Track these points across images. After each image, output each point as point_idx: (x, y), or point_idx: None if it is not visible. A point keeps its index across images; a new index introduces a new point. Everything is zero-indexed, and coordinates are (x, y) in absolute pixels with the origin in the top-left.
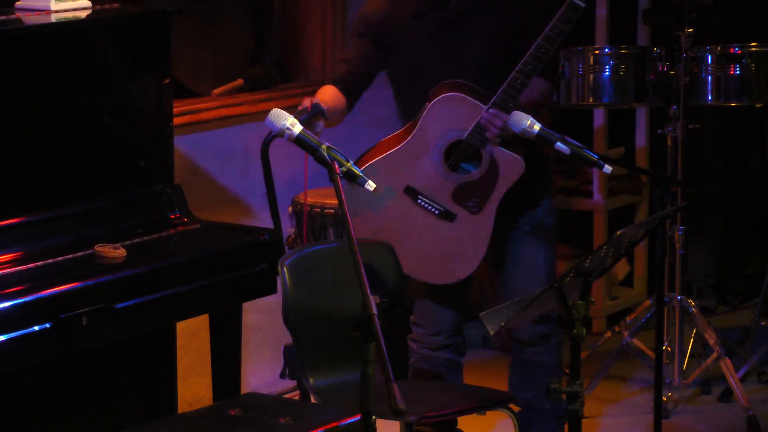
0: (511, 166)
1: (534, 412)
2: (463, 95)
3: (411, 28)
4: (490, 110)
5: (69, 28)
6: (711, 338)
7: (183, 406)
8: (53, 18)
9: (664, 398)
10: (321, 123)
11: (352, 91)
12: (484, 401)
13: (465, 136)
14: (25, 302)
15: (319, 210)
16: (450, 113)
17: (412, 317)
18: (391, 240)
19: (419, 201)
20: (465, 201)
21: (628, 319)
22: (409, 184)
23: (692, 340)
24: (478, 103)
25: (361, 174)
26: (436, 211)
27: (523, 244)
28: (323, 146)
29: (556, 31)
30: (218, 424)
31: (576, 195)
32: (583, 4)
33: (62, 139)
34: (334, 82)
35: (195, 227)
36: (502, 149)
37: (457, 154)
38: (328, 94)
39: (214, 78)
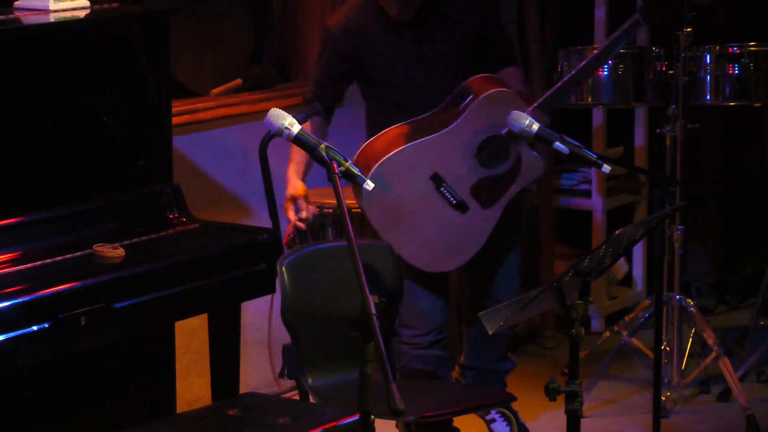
0: (532, 166)
1: (487, 373)
2: (511, 93)
3: (381, 40)
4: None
5: (68, 27)
6: (710, 338)
7: (182, 405)
8: (52, 18)
9: (663, 398)
10: None
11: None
12: (483, 401)
13: (504, 132)
14: (23, 302)
15: (317, 210)
16: (496, 109)
17: (398, 321)
18: (399, 222)
19: (441, 189)
20: (480, 194)
21: (627, 318)
22: (437, 171)
23: (691, 339)
24: (522, 101)
25: (359, 173)
26: (454, 201)
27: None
28: (322, 146)
29: (613, 45)
30: (217, 424)
31: (575, 195)
32: (644, 24)
33: (61, 139)
34: (310, 103)
35: (194, 227)
36: (529, 149)
37: (490, 149)
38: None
39: (213, 78)
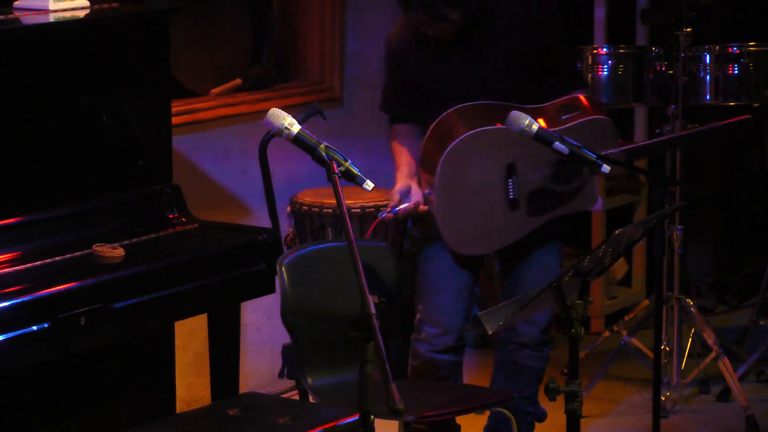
0: (587, 199)
1: (516, 413)
2: (614, 126)
3: (435, 55)
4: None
5: (67, 27)
6: (709, 338)
7: (182, 405)
8: (51, 18)
9: (663, 398)
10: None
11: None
12: (483, 401)
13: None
14: (23, 302)
15: (317, 210)
16: (595, 134)
17: (419, 317)
18: (450, 197)
19: (510, 180)
20: (533, 202)
21: (626, 318)
22: (516, 162)
23: (691, 339)
24: (616, 138)
25: (359, 173)
26: (512, 196)
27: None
28: (321, 146)
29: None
30: (217, 424)
31: None
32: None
33: (61, 139)
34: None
35: (193, 227)
36: (594, 184)
37: (567, 168)
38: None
39: (212, 78)
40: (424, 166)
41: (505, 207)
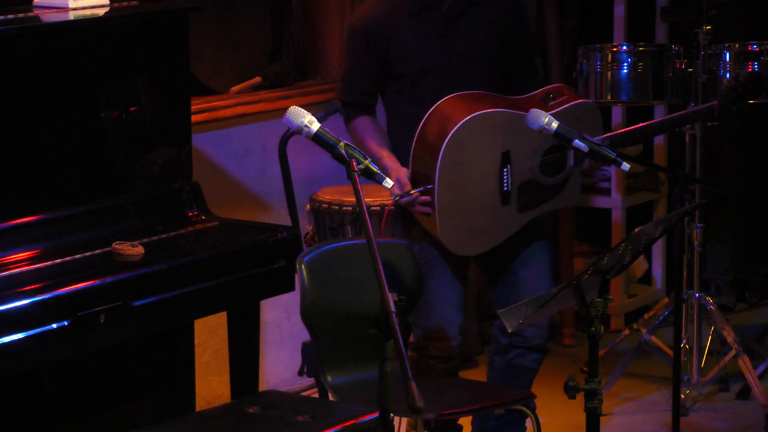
0: (571, 194)
1: (517, 413)
2: (598, 110)
3: (409, 28)
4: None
5: (87, 25)
6: (729, 336)
7: (201, 403)
8: (71, 15)
9: (683, 396)
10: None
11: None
12: (502, 398)
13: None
14: (43, 300)
15: (337, 207)
16: (581, 119)
17: (421, 336)
18: (451, 192)
19: (504, 170)
20: (522, 195)
21: (646, 316)
22: (510, 150)
23: (710, 337)
24: (600, 121)
25: (378, 171)
26: (505, 188)
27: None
28: (341, 144)
29: (691, 117)
30: (236, 422)
31: (594, 192)
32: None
33: (80, 137)
34: (345, 103)
35: (213, 225)
36: (577, 176)
37: (554, 158)
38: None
39: (232, 75)
40: (417, 160)
41: (497, 201)
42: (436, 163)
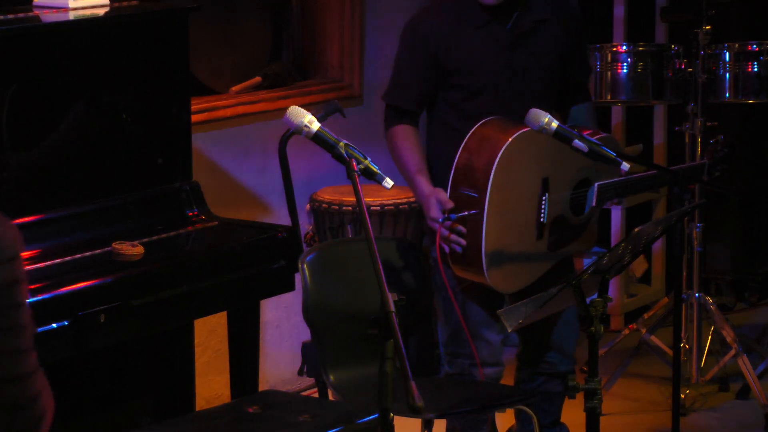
0: (589, 237)
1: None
2: (617, 142)
3: (472, 41)
4: None
5: (87, 25)
6: (729, 335)
7: (201, 403)
8: (71, 15)
9: (682, 395)
10: None
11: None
12: (503, 399)
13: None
14: (42, 300)
15: (337, 207)
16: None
17: (471, 365)
18: (499, 217)
19: (542, 198)
20: (553, 232)
21: (646, 316)
22: (549, 177)
23: (710, 337)
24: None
25: (378, 171)
26: (543, 219)
27: None
28: (341, 143)
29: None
30: (236, 422)
31: None
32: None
33: (80, 137)
34: (397, 110)
35: (213, 224)
36: (596, 222)
37: (582, 194)
38: None
39: (232, 75)
40: (459, 181)
41: (533, 233)
42: (487, 184)
